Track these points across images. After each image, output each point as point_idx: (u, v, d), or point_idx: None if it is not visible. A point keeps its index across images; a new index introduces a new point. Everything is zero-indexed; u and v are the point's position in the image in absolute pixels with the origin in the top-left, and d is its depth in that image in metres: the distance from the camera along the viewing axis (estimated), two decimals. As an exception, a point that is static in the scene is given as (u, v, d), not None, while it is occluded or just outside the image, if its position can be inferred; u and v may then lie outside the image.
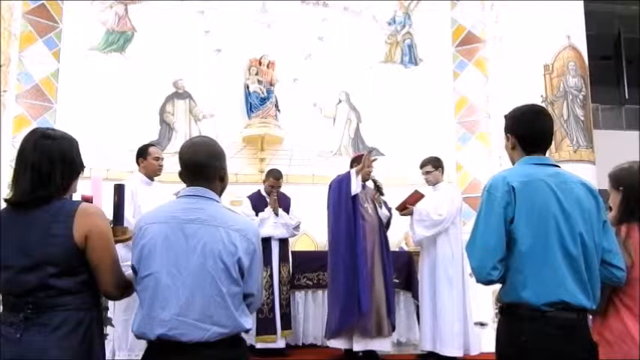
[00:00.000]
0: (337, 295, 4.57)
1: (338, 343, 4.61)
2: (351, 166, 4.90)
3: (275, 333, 4.81)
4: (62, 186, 1.79)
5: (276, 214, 5.01)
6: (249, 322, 1.82)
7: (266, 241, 4.87)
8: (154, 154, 4.26)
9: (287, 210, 5.13)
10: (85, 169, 1.93)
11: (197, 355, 1.70)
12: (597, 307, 1.94)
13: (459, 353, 4.59)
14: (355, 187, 4.61)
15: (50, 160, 1.76)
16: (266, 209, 5.03)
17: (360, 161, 4.79)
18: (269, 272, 4.91)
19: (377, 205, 4.82)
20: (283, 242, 5.12)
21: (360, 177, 4.66)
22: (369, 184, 4.84)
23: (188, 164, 1.89)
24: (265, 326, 4.79)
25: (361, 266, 4.50)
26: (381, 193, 4.81)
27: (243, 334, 1.84)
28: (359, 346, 4.49)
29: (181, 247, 1.75)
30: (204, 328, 1.71)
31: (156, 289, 1.74)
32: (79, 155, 1.87)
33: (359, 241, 4.57)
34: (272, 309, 4.86)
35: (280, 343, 4.86)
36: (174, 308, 1.71)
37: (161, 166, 4.30)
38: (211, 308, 1.72)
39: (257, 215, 5.00)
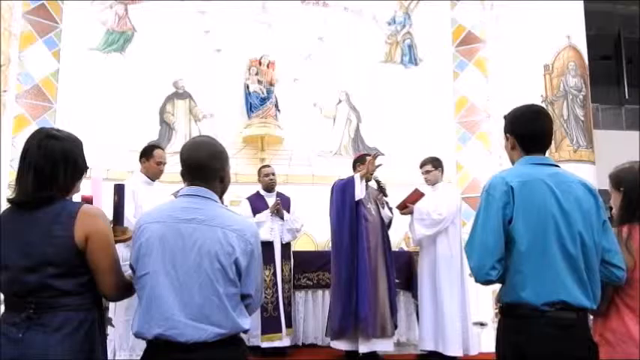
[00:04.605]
0: (339, 298, 4.58)
1: (341, 345, 4.61)
2: (354, 167, 4.90)
3: (280, 331, 4.80)
4: (65, 187, 1.79)
5: (282, 218, 5.00)
6: (247, 322, 1.81)
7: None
8: (157, 157, 4.19)
9: (287, 211, 5.13)
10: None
11: (195, 355, 1.70)
12: (599, 307, 1.93)
13: (460, 353, 4.59)
14: (359, 192, 4.60)
15: (53, 161, 1.76)
16: (264, 212, 4.99)
17: (363, 161, 4.78)
18: (272, 270, 4.90)
19: (379, 205, 4.81)
20: (285, 241, 5.12)
21: (363, 180, 4.66)
22: (372, 183, 4.83)
23: (188, 163, 1.88)
24: (270, 325, 4.77)
25: (362, 271, 4.51)
26: (385, 194, 4.80)
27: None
28: (364, 347, 4.49)
29: (178, 247, 1.75)
30: (201, 328, 1.70)
31: (153, 289, 1.74)
32: (83, 156, 1.86)
33: (361, 246, 4.57)
34: (276, 307, 4.85)
35: (285, 342, 4.85)
36: (171, 308, 1.71)
37: (162, 170, 4.25)
38: (208, 309, 1.71)
39: (254, 216, 4.96)
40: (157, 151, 4.24)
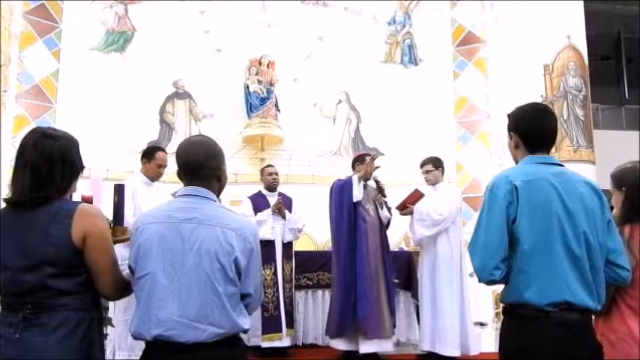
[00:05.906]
0: (338, 298, 4.58)
1: (340, 344, 4.60)
2: (353, 167, 4.89)
3: (281, 331, 4.77)
4: (62, 186, 1.77)
5: (284, 217, 5.00)
6: (247, 322, 1.79)
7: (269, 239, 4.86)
8: (158, 159, 4.16)
9: (289, 210, 5.12)
10: (85, 169, 1.91)
11: (194, 355, 1.68)
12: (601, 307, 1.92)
13: (457, 353, 4.58)
14: (357, 194, 4.59)
15: (50, 160, 1.74)
16: (265, 211, 4.98)
17: (362, 160, 4.77)
18: (273, 270, 4.87)
19: (378, 205, 4.80)
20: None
21: (361, 181, 4.64)
22: (371, 183, 4.82)
23: (184, 164, 1.88)
24: (271, 324, 4.74)
25: (361, 272, 4.50)
26: (383, 195, 4.79)
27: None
28: (365, 347, 4.48)
29: (177, 247, 1.73)
30: (201, 328, 1.69)
31: (152, 289, 1.72)
32: (80, 155, 1.84)
33: (359, 248, 4.56)
34: (277, 307, 4.82)
35: (286, 341, 4.83)
36: (170, 308, 1.69)
37: (161, 173, 4.22)
38: (208, 308, 1.70)
39: (255, 215, 4.95)
40: (158, 154, 4.21)
